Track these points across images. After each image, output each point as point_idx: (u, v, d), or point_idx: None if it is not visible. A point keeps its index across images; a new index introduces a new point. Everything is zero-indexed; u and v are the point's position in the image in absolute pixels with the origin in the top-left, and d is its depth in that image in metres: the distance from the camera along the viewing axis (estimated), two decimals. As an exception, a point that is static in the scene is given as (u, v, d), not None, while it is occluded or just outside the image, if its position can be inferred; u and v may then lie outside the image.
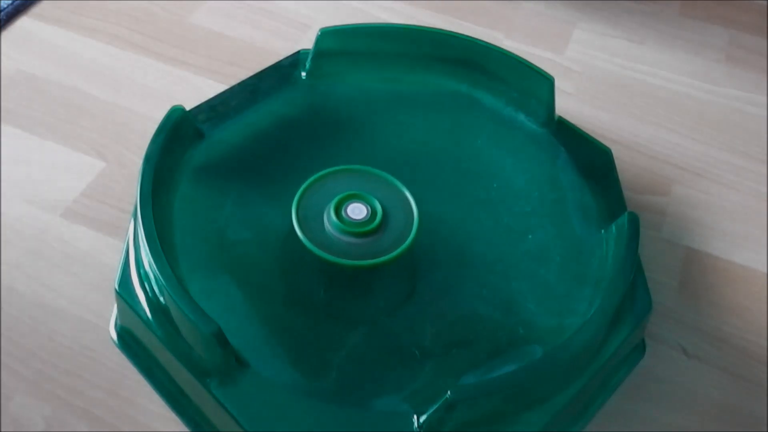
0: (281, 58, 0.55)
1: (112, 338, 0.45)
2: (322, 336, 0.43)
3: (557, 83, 0.51)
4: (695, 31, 0.70)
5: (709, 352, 0.47)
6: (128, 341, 0.45)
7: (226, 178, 0.49)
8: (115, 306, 0.45)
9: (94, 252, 0.49)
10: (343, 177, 0.46)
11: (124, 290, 0.42)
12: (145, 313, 0.41)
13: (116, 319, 0.46)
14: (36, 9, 0.67)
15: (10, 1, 0.66)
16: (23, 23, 0.65)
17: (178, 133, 0.47)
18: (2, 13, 0.65)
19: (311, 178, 0.46)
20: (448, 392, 0.36)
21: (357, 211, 0.44)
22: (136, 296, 0.42)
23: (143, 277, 0.42)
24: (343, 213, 0.44)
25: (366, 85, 0.55)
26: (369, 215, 0.44)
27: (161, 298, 0.41)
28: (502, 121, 0.54)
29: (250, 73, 0.54)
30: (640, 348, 0.46)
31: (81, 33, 0.65)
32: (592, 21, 0.71)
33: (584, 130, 0.51)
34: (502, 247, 0.47)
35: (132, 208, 0.47)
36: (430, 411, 0.37)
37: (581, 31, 0.69)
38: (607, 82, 0.65)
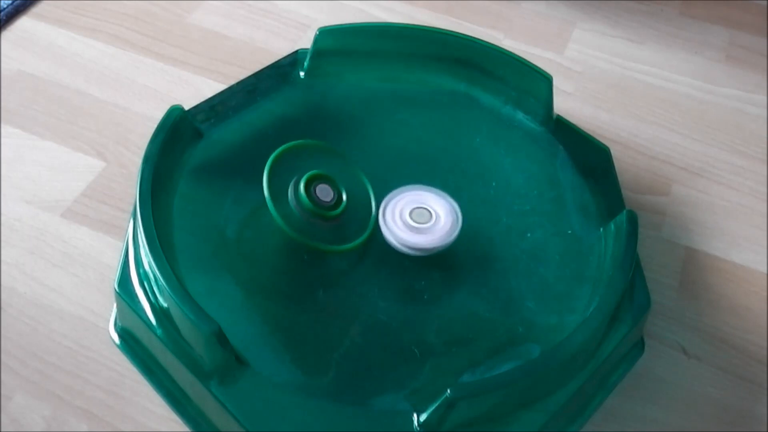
0: (280, 58, 0.55)
1: (112, 338, 0.45)
2: (322, 335, 0.43)
3: (557, 83, 0.51)
4: (695, 31, 0.70)
5: (709, 352, 0.47)
6: (128, 341, 0.45)
7: (225, 178, 0.49)
8: (115, 306, 0.45)
9: (94, 252, 0.49)
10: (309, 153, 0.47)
11: (124, 290, 0.42)
12: (145, 312, 0.41)
13: (116, 319, 0.46)
14: (36, 9, 0.67)
15: (10, 1, 0.66)
16: (23, 23, 0.65)
17: (177, 133, 0.47)
18: (2, 13, 0.65)
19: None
20: (448, 390, 0.36)
21: (325, 193, 0.44)
22: (135, 296, 0.42)
23: (143, 277, 0.42)
24: (312, 193, 0.44)
25: (364, 84, 0.55)
26: (335, 198, 0.44)
27: (161, 298, 0.41)
28: (500, 119, 0.54)
29: (250, 73, 0.54)
30: (639, 346, 0.46)
31: (81, 33, 0.65)
32: (592, 21, 0.71)
33: (584, 130, 0.51)
34: (501, 245, 0.47)
35: (132, 208, 0.47)
36: (430, 409, 0.37)
37: (581, 31, 0.69)
38: (607, 82, 0.65)
